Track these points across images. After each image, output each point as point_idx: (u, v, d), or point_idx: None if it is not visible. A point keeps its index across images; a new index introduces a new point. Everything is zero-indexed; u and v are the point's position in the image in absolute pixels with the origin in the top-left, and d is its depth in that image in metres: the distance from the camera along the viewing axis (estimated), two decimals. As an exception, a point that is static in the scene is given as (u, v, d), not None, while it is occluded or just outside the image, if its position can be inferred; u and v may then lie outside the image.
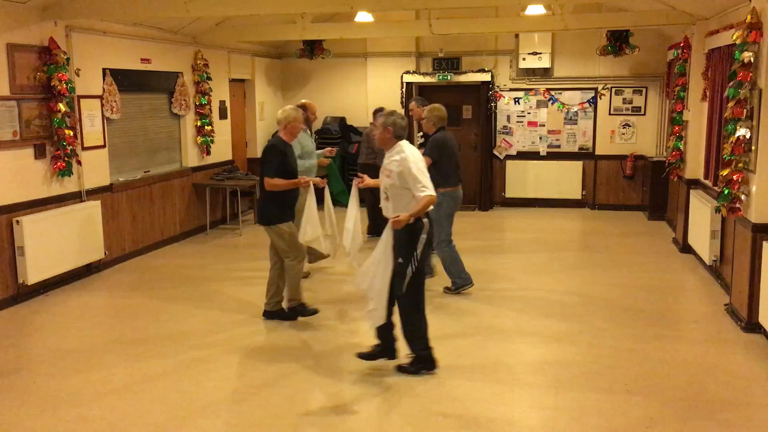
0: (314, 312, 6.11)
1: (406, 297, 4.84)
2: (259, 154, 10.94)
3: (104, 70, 7.86)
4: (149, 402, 4.53)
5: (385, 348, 5.06)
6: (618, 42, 9.86)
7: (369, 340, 5.14)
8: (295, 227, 5.98)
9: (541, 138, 11.60)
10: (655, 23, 8.68)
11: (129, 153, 8.58)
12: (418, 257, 4.76)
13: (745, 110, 5.67)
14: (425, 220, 4.80)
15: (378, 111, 8.86)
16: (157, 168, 9.08)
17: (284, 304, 6.12)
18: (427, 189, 4.69)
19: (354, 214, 5.26)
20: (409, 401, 4.51)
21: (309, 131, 7.51)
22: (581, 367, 5.05)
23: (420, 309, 4.92)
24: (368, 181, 5.32)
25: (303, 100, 7.73)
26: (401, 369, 4.96)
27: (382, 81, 11.85)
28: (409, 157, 4.77)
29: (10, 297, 6.57)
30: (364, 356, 5.07)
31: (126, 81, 8.22)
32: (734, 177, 5.78)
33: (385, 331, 5.02)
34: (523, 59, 11.28)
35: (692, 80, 8.34)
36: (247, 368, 5.12)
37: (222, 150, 10.45)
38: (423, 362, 4.95)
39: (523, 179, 11.77)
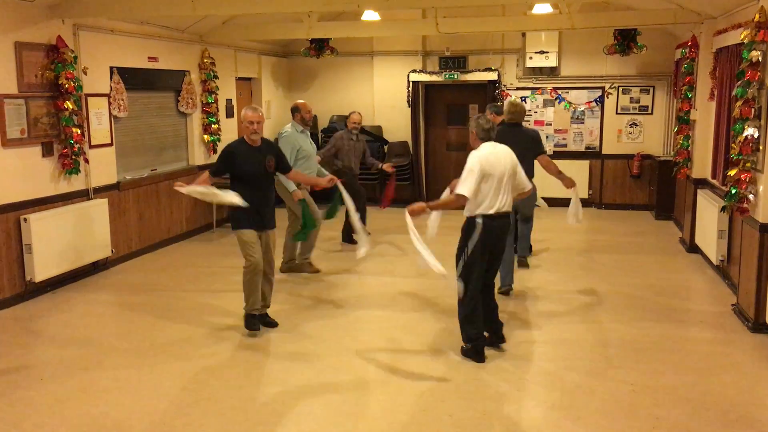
0: (272, 324, 5.86)
1: (461, 282, 5.06)
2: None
3: (111, 68, 7.89)
4: (155, 400, 4.54)
5: (493, 334, 5.32)
6: (626, 41, 9.81)
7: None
8: (256, 236, 5.57)
9: (547, 137, 11.54)
10: (662, 22, 8.64)
11: (136, 151, 8.60)
12: (467, 255, 4.98)
13: (753, 110, 5.65)
14: (479, 221, 4.94)
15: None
16: (163, 166, 9.10)
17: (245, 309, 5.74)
18: (461, 189, 4.87)
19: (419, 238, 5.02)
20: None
21: (308, 133, 7.49)
22: (587, 365, 5.05)
23: (463, 302, 5.07)
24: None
25: (297, 101, 7.68)
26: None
27: (388, 80, 11.85)
28: (474, 155, 4.96)
29: (17, 294, 6.60)
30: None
31: (133, 79, 8.25)
32: (742, 177, 5.76)
33: (487, 320, 5.26)
34: (530, 58, 11.26)
35: (700, 79, 8.31)
36: (252, 367, 5.13)
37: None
38: (468, 354, 5.14)
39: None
